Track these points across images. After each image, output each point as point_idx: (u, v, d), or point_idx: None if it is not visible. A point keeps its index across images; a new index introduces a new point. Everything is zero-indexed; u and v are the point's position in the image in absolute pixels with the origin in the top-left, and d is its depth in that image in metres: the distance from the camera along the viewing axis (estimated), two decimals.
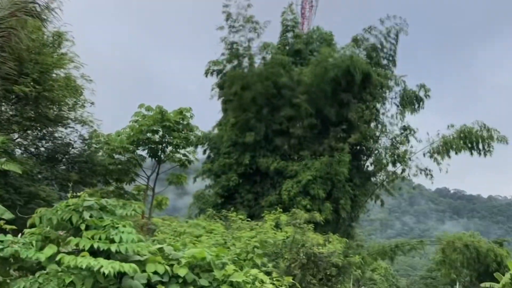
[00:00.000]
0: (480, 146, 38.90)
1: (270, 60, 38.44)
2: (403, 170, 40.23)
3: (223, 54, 37.85)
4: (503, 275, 33.14)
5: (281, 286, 13.01)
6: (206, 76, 39.09)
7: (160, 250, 10.84)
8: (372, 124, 39.70)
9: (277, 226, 24.97)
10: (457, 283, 79.23)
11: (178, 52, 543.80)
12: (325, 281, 25.19)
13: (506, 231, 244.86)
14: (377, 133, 40.27)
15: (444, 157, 39.01)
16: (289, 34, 42.70)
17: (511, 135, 40.35)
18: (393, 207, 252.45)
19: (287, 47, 41.56)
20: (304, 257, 22.32)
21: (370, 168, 40.86)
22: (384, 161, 40.03)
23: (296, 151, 37.53)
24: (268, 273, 13.61)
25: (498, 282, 33.75)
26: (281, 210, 27.08)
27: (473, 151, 39.06)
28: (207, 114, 43.81)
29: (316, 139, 37.52)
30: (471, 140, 38.71)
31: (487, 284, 38.25)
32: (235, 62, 37.23)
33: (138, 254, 10.34)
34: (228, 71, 37.78)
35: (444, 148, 38.90)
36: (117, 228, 10.28)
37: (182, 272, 10.21)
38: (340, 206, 35.79)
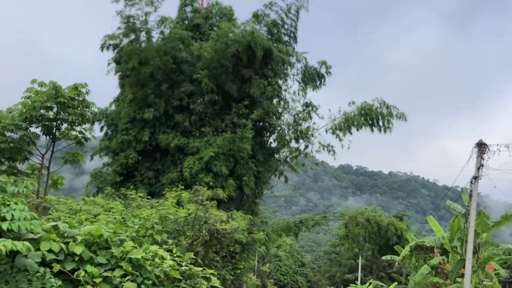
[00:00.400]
0: (380, 122, 39.75)
1: (169, 34, 37.46)
2: (306, 147, 40.68)
3: (119, 28, 36.52)
4: (403, 248, 34.06)
5: (182, 262, 12.57)
6: (102, 50, 37.67)
7: (55, 227, 10.36)
8: (275, 101, 39.65)
9: (179, 203, 24.50)
10: (360, 257, 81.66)
11: (73, 26, 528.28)
12: (229, 258, 24.99)
13: (406, 206, 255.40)
14: (280, 110, 40.27)
15: (346, 133, 39.66)
16: (188, 9, 41.98)
17: (409, 113, 41.44)
18: (298, 183, 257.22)
19: (186, 22, 40.78)
20: (206, 234, 21.99)
21: (273, 144, 40.97)
22: (287, 137, 40.16)
23: (197, 127, 36.94)
24: (169, 251, 13.14)
25: (398, 254, 34.69)
26: (182, 187, 26.56)
27: (373, 127, 39.88)
28: (104, 90, 42.38)
29: (218, 115, 37.08)
30: (372, 117, 39.46)
31: (388, 256, 39.38)
32: (132, 37, 35.97)
33: (32, 232, 9.85)
34: (125, 45, 36.49)
35: (346, 125, 39.47)
36: (8, 205, 9.90)
37: (78, 249, 9.86)
38: (244, 182, 35.57)
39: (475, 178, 25.16)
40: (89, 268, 9.87)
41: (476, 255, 27.56)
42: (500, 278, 34.16)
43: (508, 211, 29.34)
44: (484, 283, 29.66)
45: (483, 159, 24.96)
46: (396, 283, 47.31)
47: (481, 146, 25.06)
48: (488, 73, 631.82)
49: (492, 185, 24.97)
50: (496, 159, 24.73)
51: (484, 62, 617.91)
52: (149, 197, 25.26)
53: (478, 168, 24.97)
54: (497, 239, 44.83)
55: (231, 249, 24.79)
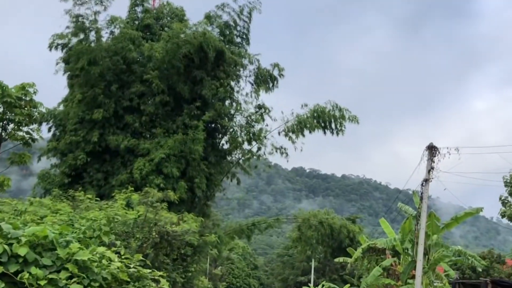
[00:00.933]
0: (333, 125, 40.00)
1: (119, 34, 36.98)
2: (259, 149, 40.65)
3: (68, 27, 35.72)
4: (356, 250, 34.27)
5: (130, 264, 12.23)
6: (50, 50, 36.77)
7: None
8: (227, 102, 39.50)
9: (129, 205, 24.05)
10: (313, 260, 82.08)
11: (19, 24, 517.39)
12: (180, 260, 24.73)
13: (359, 208, 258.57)
14: (232, 111, 40.18)
15: (298, 136, 39.80)
16: (138, 9, 41.49)
17: (362, 116, 41.87)
18: (251, 186, 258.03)
19: (137, 22, 40.31)
20: (156, 236, 21.70)
21: (226, 146, 40.89)
22: (240, 139, 40.08)
23: (148, 128, 36.50)
24: (118, 253, 12.78)
25: (351, 257, 34.87)
26: (132, 189, 26.07)
27: (326, 130, 40.11)
28: (52, 90, 41.44)
29: (169, 116, 36.69)
30: (324, 120, 39.67)
31: (341, 259, 39.56)
32: (81, 36, 35.21)
33: None
34: (74, 45, 35.71)
35: (299, 127, 39.60)
36: None
37: (22, 251, 9.36)
38: (195, 184, 35.24)
39: (426, 180, 25.50)
40: (33, 270, 9.44)
41: (426, 256, 27.88)
42: (450, 279, 34.67)
43: (458, 213, 29.78)
44: (435, 284, 30.05)
45: (434, 162, 25.33)
46: (348, 285, 47.63)
47: (432, 149, 25.43)
48: (439, 78, 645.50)
49: (442, 188, 25.36)
50: (446, 162, 25.13)
51: (435, 67, 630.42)
52: (98, 199, 24.70)
53: (429, 171, 25.30)
54: (447, 241, 45.65)
55: (182, 252, 24.53)
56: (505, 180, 42.53)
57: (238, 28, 40.97)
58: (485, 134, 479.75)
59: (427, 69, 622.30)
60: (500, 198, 43.16)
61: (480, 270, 41.05)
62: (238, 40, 41.34)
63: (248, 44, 41.78)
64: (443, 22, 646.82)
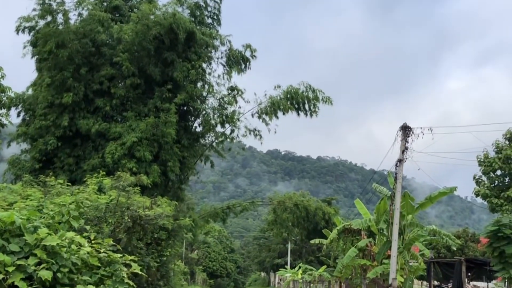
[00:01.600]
0: (306, 106, 39.80)
1: (87, 16, 36.20)
2: (232, 131, 40.30)
3: (34, 9, 34.92)
4: (331, 232, 34.32)
5: (100, 249, 11.92)
6: (18, 33, 36.02)
7: None
8: (199, 84, 39.01)
9: (101, 190, 23.62)
10: (289, 242, 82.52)
11: None
12: (154, 245, 24.46)
13: (335, 190, 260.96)
14: (204, 94, 39.73)
15: (272, 117, 39.47)
16: None
17: (336, 97, 41.77)
18: (226, 169, 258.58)
19: (105, 3, 39.35)
20: (129, 220, 21.29)
21: (199, 129, 40.40)
22: (213, 121, 39.66)
23: (119, 112, 35.89)
24: (89, 238, 12.47)
25: (326, 238, 34.92)
26: (104, 173, 25.59)
27: (300, 111, 39.88)
28: (21, 74, 40.53)
29: (140, 99, 36.14)
30: (298, 101, 39.44)
31: (317, 240, 39.68)
32: (49, 19, 34.37)
33: None
34: (41, 27, 34.92)
35: (272, 109, 39.30)
36: None
37: None
38: (169, 168, 34.84)
39: (400, 161, 25.51)
40: (0, 256, 9.16)
41: (401, 236, 27.96)
42: (425, 259, 35.00)
43: (432, 193, 29.88)
44: (410, 263, 30.24)
45: (408, 142, 25.35)
46: (325, 266, 48.03)
47: (405, 129, 25.43)
48: (412, 59, 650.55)
49: (417, 168, 25.40)
50: (420, 142, 25.16)
51: (408, 48, 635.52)
52: (69, 184, 24.21)
53: (403, 151, 25.31)
54: (422, 221, 45.98)
55: (156, 236, 24.24)
56: (478, 159, 43.01)
57: (209, 8, 40.48)
58: (458, 114, 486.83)
59: (400, 50, 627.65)
60: (474, 177, 43.64)
61: (455, 249, 41.56)
62: (209, 21, 40.83)
63: (219, 25, 41.35)
64: (415, 1, 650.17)
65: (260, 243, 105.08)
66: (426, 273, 36.64)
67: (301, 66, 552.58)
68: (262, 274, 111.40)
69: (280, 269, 73.97)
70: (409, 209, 28.48)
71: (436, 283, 41.90)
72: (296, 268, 58.18)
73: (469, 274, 41.64)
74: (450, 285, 39.09)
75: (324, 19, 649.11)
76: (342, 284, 36.81)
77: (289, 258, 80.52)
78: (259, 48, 41.63)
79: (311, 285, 47.23)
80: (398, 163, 25.62)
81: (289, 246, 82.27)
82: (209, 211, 48.37)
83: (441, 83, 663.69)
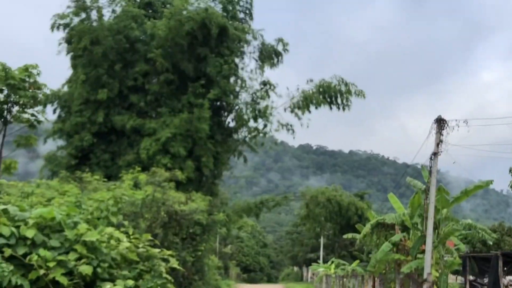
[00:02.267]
0: (339, 100, 39.49)
1: (121, 13, 36.64)
2: (265, 126, 40.14)
3: (69, 7, 35.45)
4: (364, 226, 34.05)
5: (139, 244, 12.09)
6: (52, 30, 36.53)
7: (5, 211, 9.69)
8: (232, 79, 39.04)
9: (136, 185, 23.86)
10: (321, 236, 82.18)
11: (20, 5, 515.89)
12: (189, 240, 24.62)
13: (367, 184, 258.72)
14: (237, 89, 39.75)
15: (304, 112, 39.24)
16: None
17: (368, 90, 41.35)
18: (258, 164, 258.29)
19: (138, 0, 39.68)
20: (165, 215, 21.59)
21: (232, 124, 40.43)
22: (245, 116, 39.62)
23: (153, 108, 36.30)
24: (127, 233, 12.65)
25: (359, 233, 34.65)
26: (140, 169, 25.85)
27: (332, 105, 39.58)
28: (56, 71, 41.15)
29: (174, 95, 36.39)
30: (330, 95, 39.18)
31: (350, 235, 39.38)
32: (83, 15, 34.98)
33: None
34: (76, 25, 35.43)
35: (304, 103, 39.09)
36: None
37: (29, 233, 9.36)
38: (202, 163, 35.05)
39: (435, 154, 25.13)
40: (42, 252, 9.35)
41: (436, 231, 27.60)
42: (461, 253, 34.47)
43: (468, 187, 29.42)
44: (445, 258, 29.85)
45: (442, 135, 24.93)
46: (358, 260, 47.66)
47: (440, 122, 25.00)
48: (445, 49, 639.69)
49: (451, 161, 25.01)
50: (455, 135, 24.77)
51: (441, 38, 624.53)
52: (105, 179, 24.53)
53: (438, 144, 24.92)
54: (457, 215, 45.37)
55: (191, 231, 24.42)
56: None
57: (241, 3, 40.51)
58: (493, 105, 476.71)
59: (432, 41, 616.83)
60: (510, 170, 42.80)
61: (491, 243, 40.89)
62: (242, 15, 40.88)
63: (251, 19, 41.37)
64: None
65: (292, 237, 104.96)
66: (461, 268, 36.17)
67: (332, 58, 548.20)
68: (295, 268, 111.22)
69: (312, 263, 73.79)
70: (444, 203, 28.09)
71: (471, 277, 41.38)
72: (329, 263, 57.87)
73: (505, 268, 41.04)
74: (485, 280, 38.53)
75: (354, 11, 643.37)
76: (375, 279, 36.47)
77: (321, 253, 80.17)
78: (290, 41, 41.48)
79: (344, 280, 46.98)
80: (432, 156, 25.27)
81: (322, 240, 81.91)
82: (242, 206, 48.41)
83: (475, 74, 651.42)
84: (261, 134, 41.12)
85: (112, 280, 10.24)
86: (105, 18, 36.36)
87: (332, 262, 56.21)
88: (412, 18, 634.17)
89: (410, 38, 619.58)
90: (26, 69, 28.43)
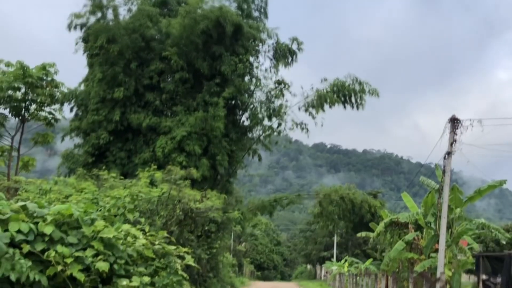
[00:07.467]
0: (353, 99, 39.38)
1: (136, 11, 36.88)
2: (279, 124, 40.27)
3: (85, 6, 35.77)
4: (377, 225, 34.04)
5: (155, 241, 12.23)
6: (69, 30, 36.94)
7: (24, 208, 9.74)
8: (246, 78, 39.24)
9: (152, 183, 24.08)
10: (335, 235, 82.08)
11: (36, 5, 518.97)
12: (204, 237, 24.83)
13: (381, 183, 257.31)
14: (252, 87, 39.93)
15: (319, 111, 39.19)
16: None
17: (381, 89, 41.22)
18: (272, 163, 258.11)
19: None
20: (180, 213, 21.79)
21: (246, 123, 40.59)
22: (260, 115, 39.78)
23: (169, 106, 36.54)
24: (142, 230, 12.81)
25: (373, 231, 34.65)
26: (155, 167, 26.05)
27: (346, 104, 39.48)
28: (73, 70, 41.44)
29: (189, 93, 36.60)
30: (344, 94, 39.11)
31: (363, 233, 39.34)
32: (99, 14, 35.26)
33: (0, 213, 9.27)
34: (92, 24, 35.73)
35: (319, 102, 39.05)
36: None
37: (48, 229, 9.39)
38: (217, 162, 35.26)
39: (448, 153, 25.05)
40: (59, 248, 9.44)
41: (449, 230, 27.54)
42: (474, 253, 34.38)
43: (481, 186, 29.32)
44: (458, 257, 29.75)
45: (456, 135, 24.83)
46: (371, 259, 47.59)
47: (454, 122, 24.90)
48: (459, 47, 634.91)
49: (465, 161, 24.93)
50: (469, 134, 24.67)
51: (455, 36, 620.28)
52: (122, 177, 24.77)
53: (451, 144, 24.84)
54: (470, 214, 45.22)
55: (206, 228, 24.64)
56: None
57: (256, 1, 40.63)
58: (508, 104, 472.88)
59: (446, 39, 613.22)
60: None
61: (504, 243, 40.66)
62: (256, 14, 40.98)
63: (266, 18, 41.45)
64: None
65: (306, 235, 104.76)
66: (474, 267, 36.09)
67: (344, 56, 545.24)
68: (308, 266, 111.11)
69: (326, 261, 73.77)
70: (457, 203, 28.01)
71: (484, 277, 41.25)
72: (342, 261, 57.82)
73: None
74: (498, 279, 38.41)
75: (367, 8, 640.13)
76: (388, 277, 36.45)
77: (335, 251, 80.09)
78: (303, 40, 41.47)
79: (357, 278, 46.95)
80: (446, 156, 25.21)
81: (335, 239, 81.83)
82: (256, 204, 48.58)
83: (489, 73, 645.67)
84: (275, 133, 41.23)
85: (129, 276, 10.34)
86: (121, 17, 36.72)
87: (346, 260, 56.13)
88: (425, 16, 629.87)
89: (423, 36, 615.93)
90: (43, 67, 28.55)
